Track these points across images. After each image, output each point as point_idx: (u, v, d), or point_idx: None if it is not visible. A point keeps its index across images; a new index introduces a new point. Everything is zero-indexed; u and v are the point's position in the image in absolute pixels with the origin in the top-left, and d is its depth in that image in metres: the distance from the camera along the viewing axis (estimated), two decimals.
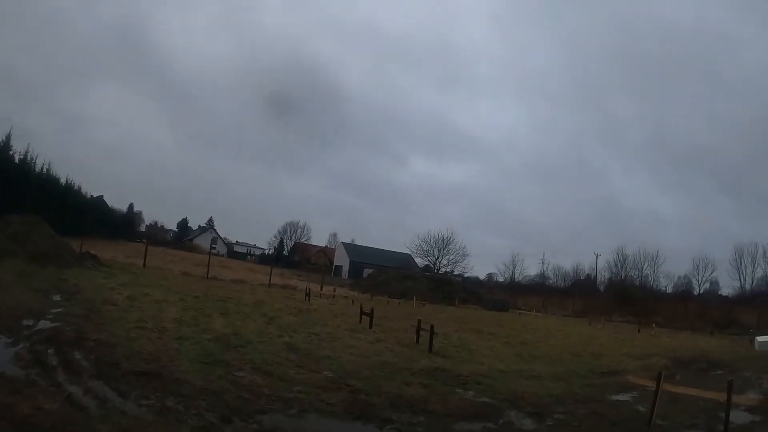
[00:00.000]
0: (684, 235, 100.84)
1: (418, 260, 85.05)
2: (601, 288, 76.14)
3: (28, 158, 39.73)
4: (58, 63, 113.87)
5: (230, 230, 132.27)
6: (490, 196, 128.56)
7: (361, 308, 20.57)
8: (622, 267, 75.16)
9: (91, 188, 61.41)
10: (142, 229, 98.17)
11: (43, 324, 11.07)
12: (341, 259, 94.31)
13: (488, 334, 21.89)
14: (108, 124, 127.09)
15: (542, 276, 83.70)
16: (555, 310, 59.92)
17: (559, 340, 23.02)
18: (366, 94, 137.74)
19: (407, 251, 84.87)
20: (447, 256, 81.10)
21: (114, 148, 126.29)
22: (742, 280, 66.32)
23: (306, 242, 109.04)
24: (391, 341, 15.74)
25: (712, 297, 66.79)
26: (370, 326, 18.10)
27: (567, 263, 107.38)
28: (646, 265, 72.79)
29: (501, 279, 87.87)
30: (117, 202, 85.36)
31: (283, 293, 30.31)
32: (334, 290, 38.63)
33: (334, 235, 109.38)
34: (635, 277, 73.36)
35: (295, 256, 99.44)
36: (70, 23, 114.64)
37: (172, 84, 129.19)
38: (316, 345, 13.39)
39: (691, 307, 56.48)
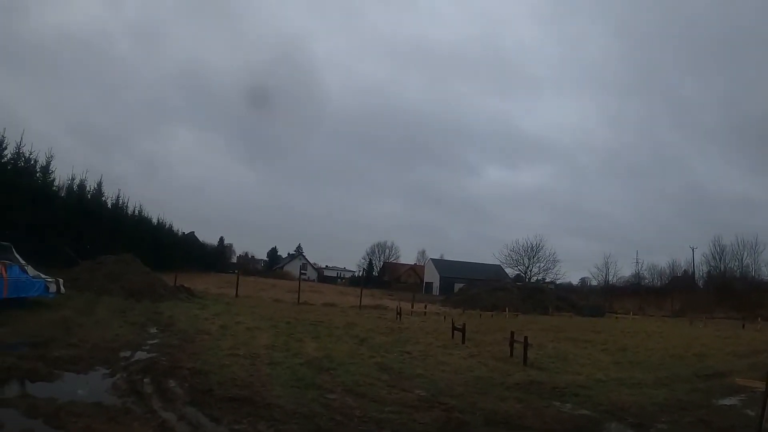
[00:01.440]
0: None
1: (508, 270, 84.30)
2: (700, 283, 72.71)
3: (120, 203, 42.85)
4: (133, 112, 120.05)
5: (319, 255, 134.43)
6: (571, 199, 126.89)
7: (452, 324, 20.30)
8: (720, 259, 71.14)
9: (182, 226, 64.67)
10: (234, 260, 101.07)
11: (140, 355, 11.34)
12: (431, 276, 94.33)
13: (584, 341, 21.16)
14: (189, 165, 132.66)
15: (637, 276, 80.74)
16: (653, 310, 57.73)
17: (659, 343, 22.00)
18: (429, 109, 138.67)
19: (497, 262, 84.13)
20: (537, 264, 80.00)
21: (200, 187, 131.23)
22: None
23: (395, 261, 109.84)
24: (484, 355, 15.39)
25: None
26: (463, 341, 17.80)
27: (662, 260, 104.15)
28: (745, 254, 68.48)
29: (594, 283, 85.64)
30: (208, 237, 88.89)
31: (374, 314, 30.32)
32: (425, 307, 38.31)
33: (423, 252, 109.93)
34: (735, 268, 69.22)
35: (384, 276, 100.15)
36: (137, 73, 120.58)
37: (241, 121, 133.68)
38: (408, 364, 13.17)
39: None
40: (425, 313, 34.58)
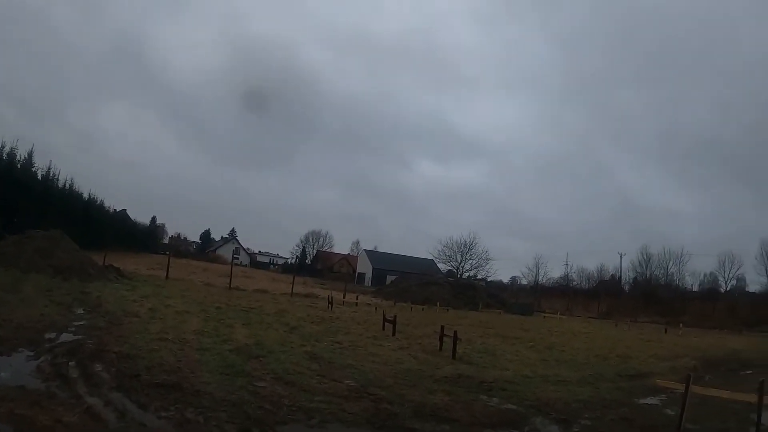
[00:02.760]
0: (708, 231, 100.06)
1: (441, 266, 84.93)
2: (627, 288, 75.83)
3: (51, 175, 41.09)
4: (69, 82, 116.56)
5: (253, 240, 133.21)
6: (504, 199, 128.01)
7: (383, 315, 20.49)
8: (646, 266, 74.91)
9: (114, 203, 62.71)
10: (165, 241, 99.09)
11: (66, 337, 11.11)
12: (364, 267, 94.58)
13: (513, 338, 21.74)
14: (124, 140, 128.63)
15: (566, 278, 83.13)
16: (580, 312, 59.60)
17: (585, 343, 22.81)
18: (366, 99, 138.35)
19: (430, 257, 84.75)
20: (470, 261, 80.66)
21: (134, 163, 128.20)
22: None
23: (328, 250, 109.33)
24: (414, 348, 15.64)
25: (739, 294, 66.38)
26: (393, 333, 18.00)
27: (591, 264, 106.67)
28: (671, 263, 72.38)
29: (524, 282, 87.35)
30: (140, 215, 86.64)
31: (305, 302, 30.25)
32: (357, 298, 38.48)
33: (357, 243, 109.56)
34: (660, 276, 72.86)
35: (317, 265, 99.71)
36: (75, 44, 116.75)
37: (180, 99, 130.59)
38: (339, 354, 13.29)
39: (718, 305, 56.08)
40: (357, 303, 34.76)
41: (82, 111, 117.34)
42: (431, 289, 52.14)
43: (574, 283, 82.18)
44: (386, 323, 19.22)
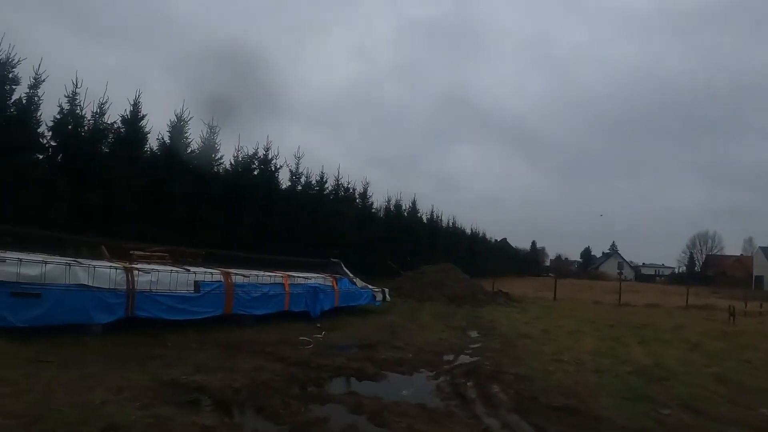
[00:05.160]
0: None
1: None
2: None
3: (434, 217, 47.99)
4: (421, 138, 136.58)
5: (634, 253, 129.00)
6: None
7: None
8: None
9: (494, 233, 68.64)
10: (547, 263, 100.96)
11: (463, 359, 11.61)
12: (762, 268, 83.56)
13: None
14: (483, 176, 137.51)
15: None
16: None
17: None
18: (698, 76, 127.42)
19: None
20: None
21: (503, 196, 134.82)
22: None
23: (718, 253, 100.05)
24: None
25: None
26: None
27: None
28: None
29: None
30: (519, 242, 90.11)
31: (701, 314, 27.78)
32: (761, 306, 34.30)
33: (749, 240, 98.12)
34: None
35: (708, 271, 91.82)
36: (409, 106, 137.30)
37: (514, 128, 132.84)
38: (748, 375, 11.68)
39: None
40: (761, 313, 30.86)
41: (442, 159, 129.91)
42: None
43: None
44: None
